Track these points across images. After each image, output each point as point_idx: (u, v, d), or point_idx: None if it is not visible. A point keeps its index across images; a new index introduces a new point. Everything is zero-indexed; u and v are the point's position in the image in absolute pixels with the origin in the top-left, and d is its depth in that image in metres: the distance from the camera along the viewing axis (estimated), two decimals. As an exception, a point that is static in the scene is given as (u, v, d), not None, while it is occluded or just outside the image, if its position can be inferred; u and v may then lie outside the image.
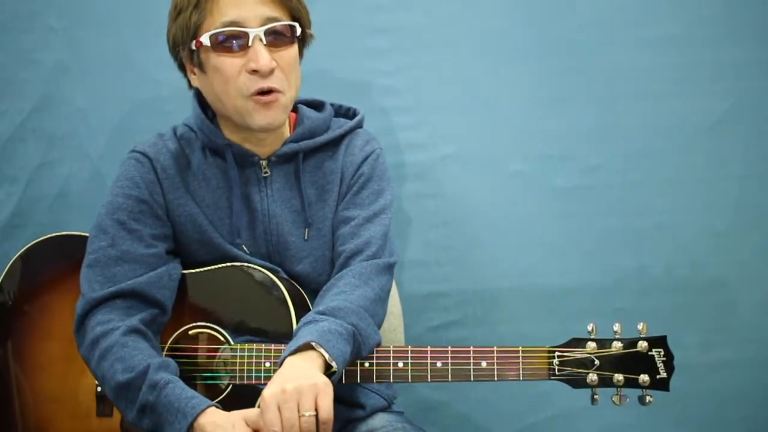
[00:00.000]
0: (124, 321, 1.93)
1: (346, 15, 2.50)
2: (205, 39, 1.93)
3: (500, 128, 2.53)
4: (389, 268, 2.05)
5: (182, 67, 2.05)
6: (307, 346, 1.80)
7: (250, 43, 1.92)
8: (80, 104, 2.54)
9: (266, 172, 2.06)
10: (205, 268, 2.05)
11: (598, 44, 2.50)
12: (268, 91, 1.95)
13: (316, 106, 2.17)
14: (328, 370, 1.80)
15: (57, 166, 2.56)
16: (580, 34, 2.49)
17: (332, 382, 1.78)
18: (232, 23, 1.92)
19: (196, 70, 2.02)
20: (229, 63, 1.94)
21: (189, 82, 2.07)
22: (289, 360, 1.80)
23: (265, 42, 1.92)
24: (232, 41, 1.93)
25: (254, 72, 1.93)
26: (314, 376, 1.74)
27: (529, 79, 2.51)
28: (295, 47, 1.99)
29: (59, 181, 2.56)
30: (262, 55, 1.91)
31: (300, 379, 1.73)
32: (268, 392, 1.73)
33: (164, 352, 2.00)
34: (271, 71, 1.93)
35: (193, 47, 1.96)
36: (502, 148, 2.53)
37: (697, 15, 2.48)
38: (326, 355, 1.78)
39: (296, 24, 1.97)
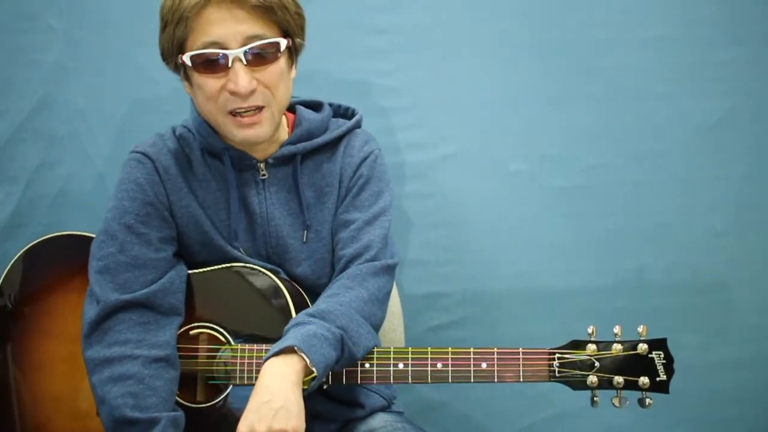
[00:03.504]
0: (141, 345, 1.93)
1: (345, 15, 2.49)
2: (186, 59, 1.92)
3: (500, 128, 2.53)
4: (388, 270, 2.04)
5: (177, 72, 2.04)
6: (290, 350, 1.81)
7: (230, 65, 1.89)
8: (80, 104, 2.54)
9: (264, 175, 2.06)
10: (207, 269, 2.05)
11: (598, 44, 2.50)
12: (249, 110, 1.94)
13: (315, 106, 2.16)
14: (309, 375, 1.82)
15: (57, 166, 2.55)
16: (580, 34, 2.50)
17: (312, 388, 1.82)
18: (212, 44, 1.89)
19: (185, 81, 2.01)
20: (209, 83, 1.92)
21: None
22: (270, 362, 1.81)
23: (245, 62, 1.89)
24: (212, 62, 1.90)
25: (234, 93, 1.91)
26: (287, 403, 1.77)
27: (529, 79, 2.51)
28: (281, 62, 1.95)
29: (59, 181, 2.56)
30: (241, 77, 1.89)
31: (273, 413, 1.75)
32: (243, 427, 1.76)
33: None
34: (252, 92, 1.92)
35: (179, 62, 1.95)
36: (502, 148, 2.53)
37: (698, 15, 2.48)
38: (307, 360, 1.80)
39: (280, 40, 1.93)
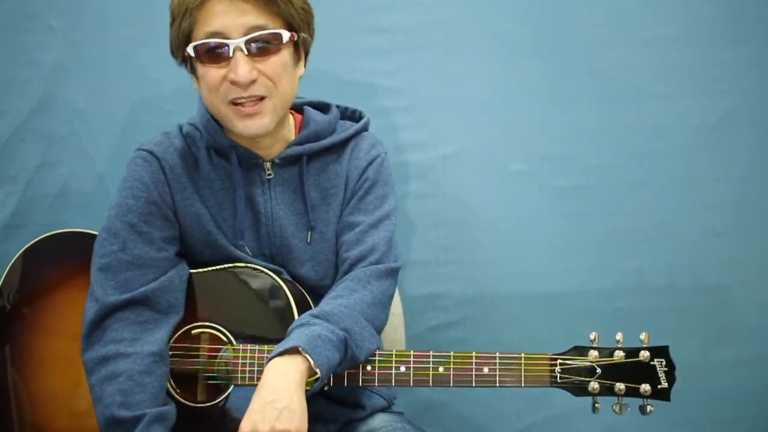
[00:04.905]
0: (136, 343, 1.93)
1: (346, 15, 2.50)
2: (190, 49, 1.94)
3: (500, 128, 2.53)
4: (391, 273, 2.05)
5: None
6: (294, 350, 1.82)
7: (230, 54, 1.90)
8: (80, 104, 2.54)
9: (270, 174, 2.06)
10: (210, 269, 2.05)
11: (598, 44, 2.50)
12: (250, 100, 1.94)
13: (322, 108, 2.16)
14: (312, 376, 1.83)
15: (57, 166, 2.55)
16: (580, 34, 2.50)
17: (315, 389, 1.83)
18: (214, 34, 1.90)
19: (193, 76, 2.02)
20: (212, 73, 1.93)
21: None
22: (274, 362, 1.82)
23: (246, 52, 1.90)
24: (214, 52, 1.92)
25: (234, 83, 1.92)
26: (291, 404, 1.77)
27: (529, 79, 2.51)
28: (283, 54, 1.95)
29: (59, 181, 2.55)
30: (241, 67, 1.90)
31: (277, 413, 1.76)
32: (246, 427, 1.76)
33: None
34: (252, 82, 1.92)
35: (186, 54, 1.96)
36: (502, 148, 2.53)
37: (698, 15, 2.48)
38: (311, 361, 1.80)
39: (282, 31, 1.94)
